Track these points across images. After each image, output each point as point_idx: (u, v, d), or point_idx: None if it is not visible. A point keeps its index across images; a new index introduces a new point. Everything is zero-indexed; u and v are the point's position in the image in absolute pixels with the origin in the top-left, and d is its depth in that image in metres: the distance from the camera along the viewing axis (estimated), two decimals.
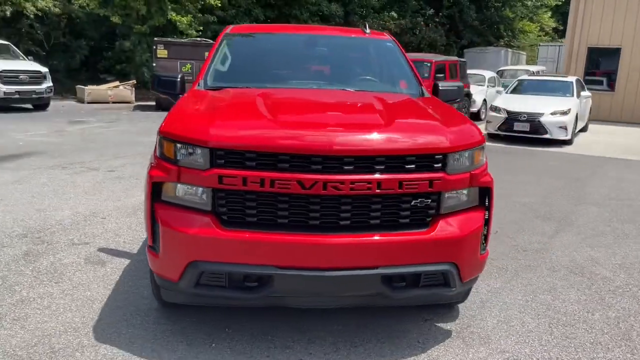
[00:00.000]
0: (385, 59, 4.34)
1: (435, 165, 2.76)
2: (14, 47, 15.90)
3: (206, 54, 16.14)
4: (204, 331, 3.14)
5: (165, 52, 16.32)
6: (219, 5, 21.61)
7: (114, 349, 2.91)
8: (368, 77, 4.17)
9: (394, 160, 2.69)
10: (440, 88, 4.15)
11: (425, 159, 2.74)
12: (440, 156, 2.76)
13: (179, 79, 3.91)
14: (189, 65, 16.32)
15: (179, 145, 2.73)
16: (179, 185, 2.75)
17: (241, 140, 2.66)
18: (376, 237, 2.72)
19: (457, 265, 2.84)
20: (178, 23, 20.85)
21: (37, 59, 17.86)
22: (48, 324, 3.15)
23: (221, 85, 3.78)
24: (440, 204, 2.81)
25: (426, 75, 13.27)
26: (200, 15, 22.10)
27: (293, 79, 3.94)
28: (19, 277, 3.78)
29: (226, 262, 2.69)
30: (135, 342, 3.00)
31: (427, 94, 3.93)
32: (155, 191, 2.82)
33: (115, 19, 20.28)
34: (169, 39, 17.39)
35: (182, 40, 17.86)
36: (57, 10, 19.60)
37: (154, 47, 16.39)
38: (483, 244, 3.03)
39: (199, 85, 3.80)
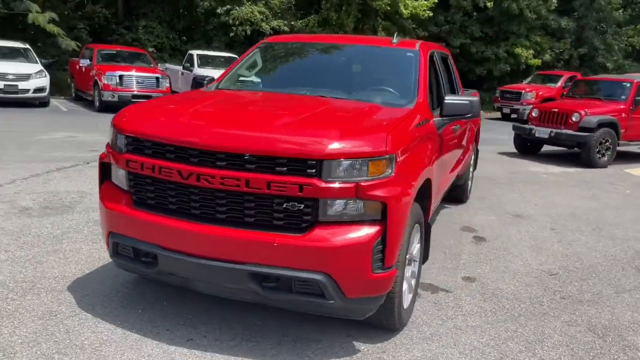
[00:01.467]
0: (395, 69, 4.21)
1: (309, 171, 2.71)
2: None
3: None
4: (148, 301, 3.57)
5: None
6: (429, 16, 21.70)
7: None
8: (362, 86, 4.13)
9: (264, 161, 2.75)
10: (444, 101, 3.87)
11: (297, 163, 2.72)
12: (314, 162, 2.70)
13: (205, 80, 4.41)
14: None
15: (113, 132, 3.22)
16: (113, 166, 3.24)
17: (142, 129, 3.03)
18: (246, 234, 2.80)
19: (332, 277, 2.74)
20: None
21: None
22: None
23: (230, 88, 4.17)
24: (318, 210, 2.75)
25: (622, 97, 11.54)
26: (414, 29, 22.62)
27: (294, 85, 4.11)
28: None
29: (128, 236, 3.09)
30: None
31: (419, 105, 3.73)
32: (104, 171, 3.36)
33: None
34: None
35: None
36: (285, 28, 22.13)
37: None
38: (378, 262, 2.84)
39: (209, 87, 4.25)
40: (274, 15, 21.76)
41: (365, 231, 2.78)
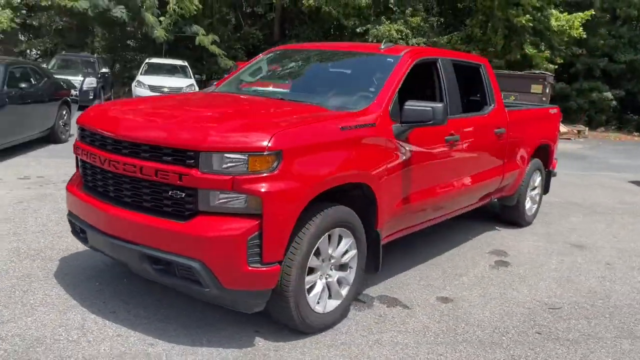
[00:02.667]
0: (370, 74, 4.12)
1: (188, 161, 2.88)
2: None
3: (532, 86, 15.51)
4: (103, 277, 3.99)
5: None
6: (580, 35, 19.88)
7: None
8: (330, 90, 4.11)
9: (154, 151, 2.98)
10: (403, 106, 3.71)
11: (179, 154, 2.91)
12: (192, 153, 2.86)
13: None
14: (512, 97, 15.95)
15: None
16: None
17: (86, 121, 3.46)
18: (140, 217, 3.06)
19: (206, 266, 2.87)
20: (533, 58, 20.37)
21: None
22: None
23: (221, 90, 4.51)
24: (198, 200, 2.90)
25: None
26: (566, 44, 20.90)
27: (267, 89, 4.30)
28: None
29: (74, 215, 3.54)
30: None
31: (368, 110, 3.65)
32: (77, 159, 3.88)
33: (475, 54, 21.39)
34: (496, 71, 17.35)
35: (508, 72, 17.55)
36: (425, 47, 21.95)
37: None
38: (255, 256, 2.88)
39: (207, 89, 4.62)
40: (414, 33, 21.72)
41: (241, 224, 2.85)
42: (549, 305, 4.09)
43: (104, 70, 17.61)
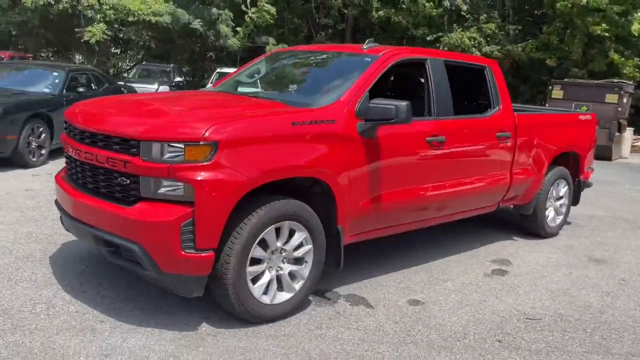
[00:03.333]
0: (345, 73, 4.12)
1: (131, 150, 3.09)
2: None
3: (607, 95, 14.68)
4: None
5: (561, 92, 15.63)
6: None
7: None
8: (303, 88, 4.21)
9: (106, 140, 3.23)
10: (369, 104, 3.72)
11: (125, 143, 3.12)
12: (135, 142, 3.07)
13: None
14: (584, 107, 15.08)
15: None
16: None
17: (67, 114, 3.78)
18: (95, 201, 3.31)
19: (144, 248, 3.06)
20: (621, 66, 19.15)
21: None
22: None
23: (217, 89, 4.75)
24: (140, 186, 3.10)
25: None
26: None
27: (257, 87, 4.45)
28: None
29: (56, 201, 3.88)
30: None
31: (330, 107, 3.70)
32: None
33: (551, 62, 20.46)
34: (568, 80, 16.47)
35: (581, 80, 16.57)
36: (499, 54, 21.25)
37: (550, 87, 15.94)
38: (189, 242, 3.03)
39: (205, 88, 4.86)
40: (488, 41, 21.13)
41: (175, 211, 3.00)
42: (527, 316, 3.89)
43: (178, 79, 18.67)
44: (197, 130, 3.01)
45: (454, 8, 21.07)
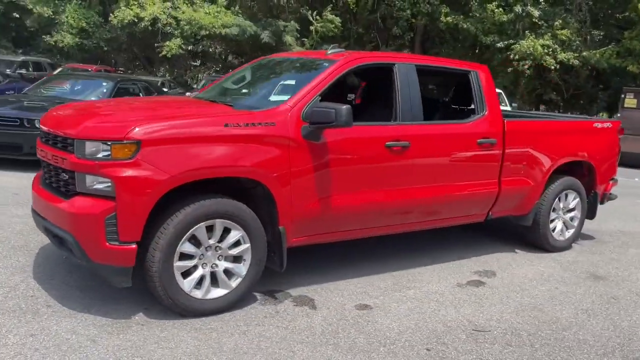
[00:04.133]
0: (301, 78, 4.18)
1: (69, 148, 3.37)
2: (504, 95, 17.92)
3: None
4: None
5: (635, 101, 14.57)
6: None
7: None
8: (261, 92, 4.35)
9: (55, 139, 3.54)
10: (313, 108, 3.78)
11: (65, 142, 3.42)
12: (71, 141, 3.36)
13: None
14: None
15: None
16: None
17: (41, 118, 4.15)
18: (47, 195, 3.63)
19: (74, 237, 3.32)
20: None
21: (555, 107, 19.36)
22: None
23: (198, 95, 5.00)
24: (75, 181, 3.37)
25: None
26: None
27: (227, 95, 4.67)
28: None
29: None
30: None
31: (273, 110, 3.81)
32: None
33: (633, 68, 19.12)
34: None
35: None
36: (575, 62, 20.16)
37: (622, 95, 14.90)
38: (113, 234, 3.25)
39: (190, 94, 5.13)
40: (563, 47, 20.09)
41: (101, 204, 3.24)
42: (475, 327, 3.75)
43: None
44: (122, 130, 3.24)
45: (524, 14, 20.25)
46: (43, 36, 25.16)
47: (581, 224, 5.87)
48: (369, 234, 4.43)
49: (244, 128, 3.58)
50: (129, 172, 3.20)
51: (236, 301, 3.70)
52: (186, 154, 3.36)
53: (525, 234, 5.68)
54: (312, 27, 21.51)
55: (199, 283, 3.56)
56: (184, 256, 3.48)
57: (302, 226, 3.93)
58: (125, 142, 3.21)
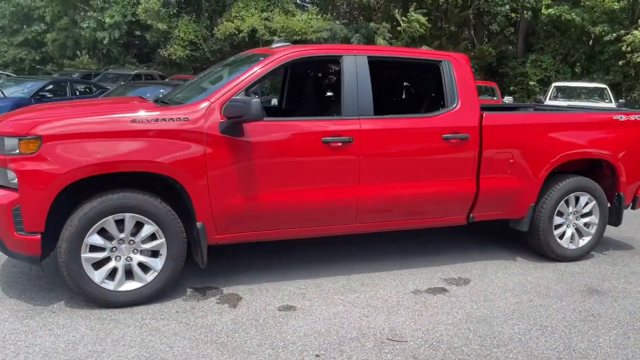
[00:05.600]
0: (239, 73, 4.10)
1: None
2: None
3: None
4: None
5: None
6: None
7: None
8: (196, 88, 4.34)
9: None
10: (228, 102, 3.74)
11: None
12: None
13: None
14: None
15: None
16: None
17: None
18: None
19: None
20: None
21: None
22: None
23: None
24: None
25: None
26: None
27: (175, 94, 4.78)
28: None
29: None
30: None
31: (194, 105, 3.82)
32: None
33: None
34: None
35: None
36: None
37: None
38: (19, 225, 3.47)
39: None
40: None
41: (9, 196, 3.48)
42: (394, 337, 3.45)
43: None
44: (27, 127, 3.45)
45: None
46: (159, 50, 27.40)
47: (601, 230, 5.13)
48: (313, 233, 4.26)
49: (153, 123, 3.63)
50: (30, 166, 3.40)
51: (151, 295, 3.75)
52: (88, 149, 3.48)
53: (527, 240, 5.10)
54: (399, 28, 21.11)
55: (112, 275, 3.66)
56: (94, 248, 3.60)
57: (225, 223, 3.89)
58: (29, 137, 3.41)
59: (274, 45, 4.35)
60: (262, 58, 4.12)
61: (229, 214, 3.85)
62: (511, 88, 21.93)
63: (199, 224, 3.77)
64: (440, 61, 4.55)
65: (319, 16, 22.12)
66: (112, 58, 28.24)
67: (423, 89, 5.02)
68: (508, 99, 16.91)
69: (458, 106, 4.45)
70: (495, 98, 15.98)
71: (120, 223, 3.63)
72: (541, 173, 4.72)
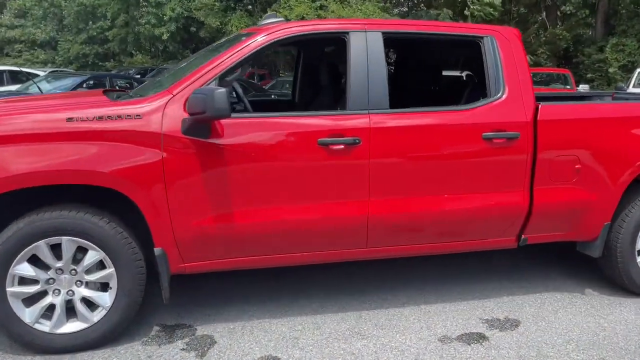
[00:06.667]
0: (209, 57, 3.26)
1: None
2: None
3: None
4: None
5: None
6: None
7: None
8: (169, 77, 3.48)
9: None
10: (191, 94, 2.88)
11: None
12: None
13: None
14: None
15: None
16: None
17: None
18: None
19: None
20: None
21: None
22: None
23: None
24: None
25: None
26: None
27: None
28: None
29: None
30: None
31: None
32: None
33: None
34: None
35: None
36: None
37: None
38: None
39: None
40: None
41: None
42: None
43: None
44: None
45: None
46: None
47: None
48: (308, 260, 3.36)
49: (94, 123, 2.85)
50: None
51: (99, 339, 2.98)
52: (5, 156, 2.74)
53: (600, 268, 3.97)
54: (466, 12, 19.65)
55: (49, 313, 2.92)
56: (27, 280, 2.87)
57: (193, 248, 3.06)
58: None
59: (261, 22, 3.46)
60: (245, 38, 3.24)
61: (197, 236, 3.02)
62: (588, 76, 19.92)
63: (157, 250, 2.97)
64: (481, 37, 3.49)
65: (378, 3, 20.98)
66: (171, 54, 28.37)
67: (457, 73, 3.95)
68: (583, 87, 15.20)
69: (504, 95, 3.39)
70: (568, 86, 14.34)
71: (57, 248, 2.88)
72: (620, 182, 3.57)
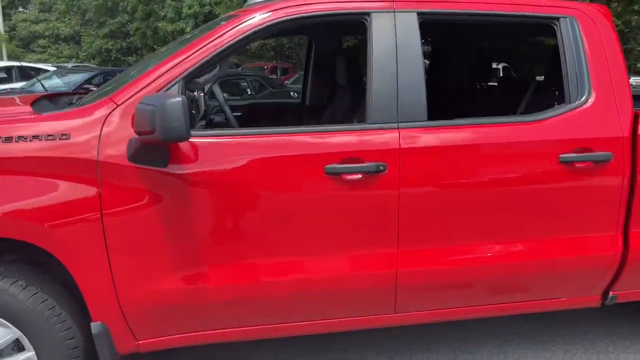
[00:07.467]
0: (173, 51, 2.37)
1: None
2: None
3: None
4: None
5: None
6: None
7: None
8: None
9: None
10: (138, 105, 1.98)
11: None
12: None
13: None
14: None
15: None
16: None
17: None
18: None
19: None
20: None
21: None
22: None
23: None
24: None
25: None
26: None
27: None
28: None
29: None
30: None
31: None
32: None
33: None
34: None
35: None
36: None
37: None
38: None
39: None
40: None
41: None
42: None
43: None
44: None
45: None
46: None
47: None
48: (313, 330, 2.44)
49: (4, 145, 1.97)
50: None
51: None
52: None
53: None
54: None
55: None
56: None
57: (151, 320, 2.18)
58: None
59: (248, 2, 2.55)
60: (224, 22, 2.33)
61: (155, 304, 2.13)
62: (638, 65, 18.47)
63: (94, 326, 2.09)
64: (557, 18, 2.50)
65: None
66: None
67: (523, 69, 2.95)
68: (635, 80, 13.84)
69: (591, 100, 2.41)
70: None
71: None
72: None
